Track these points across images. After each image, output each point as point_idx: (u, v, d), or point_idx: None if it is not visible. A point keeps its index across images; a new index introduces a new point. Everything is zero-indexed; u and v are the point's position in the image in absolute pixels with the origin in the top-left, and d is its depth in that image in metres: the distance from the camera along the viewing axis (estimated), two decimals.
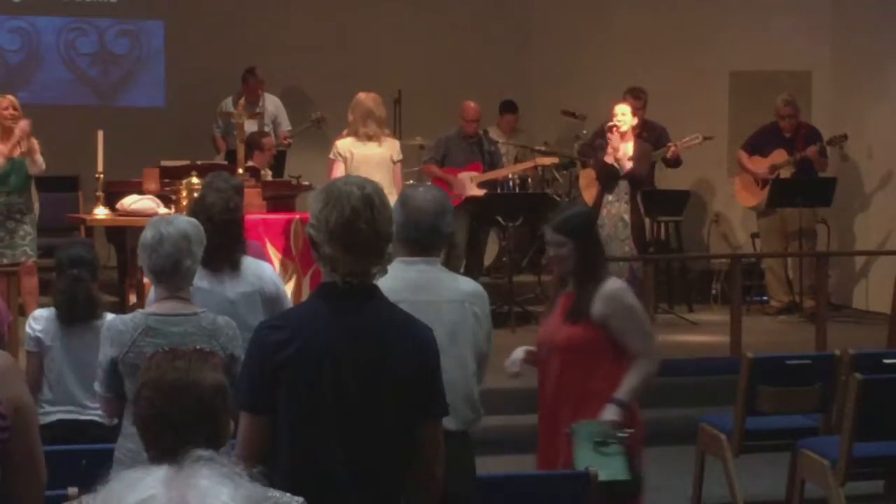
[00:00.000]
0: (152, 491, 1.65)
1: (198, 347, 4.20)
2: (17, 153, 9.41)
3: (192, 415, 2.88)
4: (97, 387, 4.68)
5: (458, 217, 10.48)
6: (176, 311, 4.59)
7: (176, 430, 2.88)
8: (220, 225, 5.47)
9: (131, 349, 4.49)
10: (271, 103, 11.52)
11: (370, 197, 3.41)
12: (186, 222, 4.69)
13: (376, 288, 3.50)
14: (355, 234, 3.38)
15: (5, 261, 9.21)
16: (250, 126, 11.19)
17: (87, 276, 5.78)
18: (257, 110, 10.78)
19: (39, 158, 9.45)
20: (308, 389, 3.40)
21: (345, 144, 9.03)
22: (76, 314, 5.75)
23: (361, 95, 9.15)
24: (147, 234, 4.59)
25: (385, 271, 3.49)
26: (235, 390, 3.63)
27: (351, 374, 3.42)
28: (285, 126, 11.56)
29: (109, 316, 5.93)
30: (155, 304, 4.66)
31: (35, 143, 9.46)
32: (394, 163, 9.15)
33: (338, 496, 3.37)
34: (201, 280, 5.11)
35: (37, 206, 9.68)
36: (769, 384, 6.63)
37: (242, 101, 10.98)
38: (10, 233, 9.38)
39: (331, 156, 9.11)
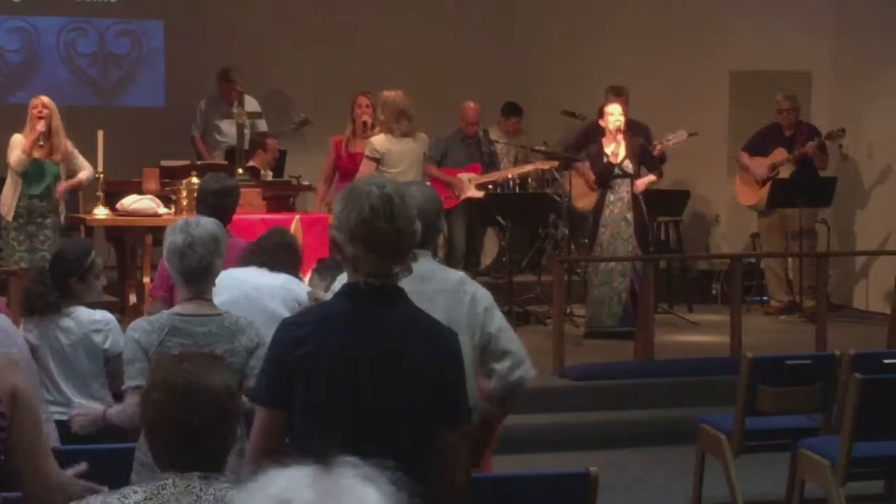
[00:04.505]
0: (302, 488, 1.67)
1: (211, 349, 4.22)
2: (37, 153, 9.44)
3: (204, 417, 2.89)
4: (128, 381, 4.68)
5: (456, 218, 10.57)
6: (200, 311, 4.64)
7: (187, 433, 2.89)
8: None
9: (158, 349, 4.51)
10: (250, 104, 11.37)
11: (389, 196, 3.40)
12: (212, 223, 4.74)
13: (400, 290, 3.49)
14: (375, 233, 3.38)
15: (23, 265, 9.15)
16: (228, 127, 11.14)
17: (43, 270, 5.86)
18: (234, 110, 10.67)
19: (84, 167, 9.54)
20: (323, 387, 3.41)
21: (381, 142, 9.03)
22: (27, 306, 5.82)
23: (389, 94, 9.13)
24: (177, 239, 4.61)
25: (410, 271, 3.48)
26: (254, 385, 3.66)
27: (367, 375, 3.41)
28: (262, 128, 11.39)
29: (99, 314, 5.95)
30: (179, 304, 4.72)
31: (70, 149, 9.54)
32: (424, 157, 9.23)
33: None
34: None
35: (63, 208, 9.70)
36: (769, 384, 6.63)
37: (238, 104, 10.91)
38: (30, 237, 9.39)
39: (366, 153, 9.10)
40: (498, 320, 4.53)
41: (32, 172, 9.47)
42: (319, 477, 1.70)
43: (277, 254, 6.11)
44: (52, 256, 6.12)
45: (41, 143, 9.45)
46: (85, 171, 9.71)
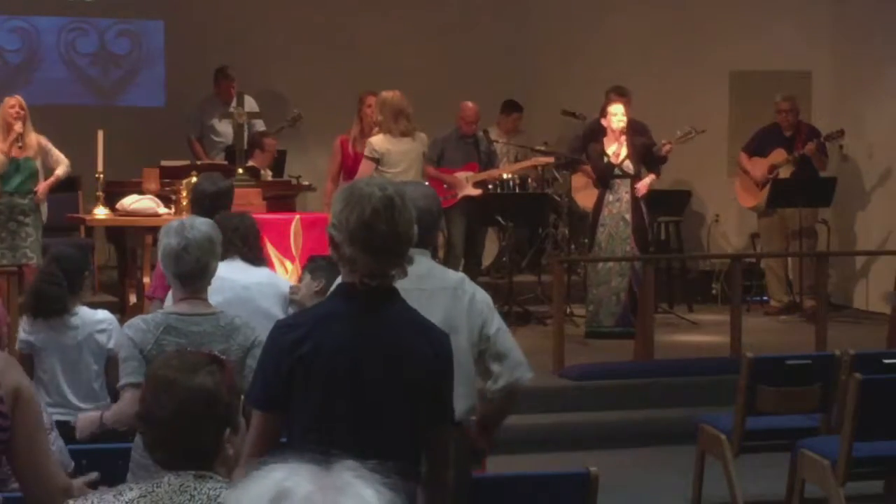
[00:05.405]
0: (300, 484, 1.69)
1: (212, 351, 4.21)
2: (15, 152, 9.42)
3: (170, 415, 2.90)
4: (123, 378, 4.67)
5: (454, 217, 10.54)
6: (196, 310, 4.62)
7: (155, 427, 2.91)
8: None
9: (154, 347, 4.51)
10: (249, 104, 11.35)
11: (391, 198, 3.41)
12: (206, 224, 4.70)
13: (395, 290, 3.50)
14: (375, 235, 3.39)
15: (5, 262, 9.20)
16: (224, 127, 11.13)
17: (55, 271, 5.85)
18: (231, 110, 10.66)
19: (61, 162, 9.49)
20: (322, 388, 3.42)
21: (380, 142, 9.03)
22: (41, 308, 5.79)
23: (387, 94, 9.14)
24: (172, 241, 4.58)
25: (405, 273, 3.49)
26: (249, 387, 3.65)
27: (365, 374, 3.43)
28: (259, 128, 11.37)
29: (101, 313, 5.95)
30: (175, 304, 4.70)
31: (43, 143, 9.50)
32: (424, 157, 9.22)
33: None
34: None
35: (45, 207, 9.69)
36: (769, 384, 6.63)
37: (235, 104, 10.88)
38: (12, 234, 9.38)
39: (366, 153, 9.11)
40: (497, 322, 4.55)
41: (9, 169, 9.44)
42: (319, 472, 1.72)
43: (256, 244, 6.08)
44: (55, 257, 6.06)
45: (20, 144, 9.43)
46: (62, 166, 9.68)
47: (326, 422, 3.41)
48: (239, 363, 4.48)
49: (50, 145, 9.66)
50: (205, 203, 6.60)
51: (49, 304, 5.82)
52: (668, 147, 10.51)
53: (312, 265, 6.01)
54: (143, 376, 4.48)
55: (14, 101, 9.53)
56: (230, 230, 5.93)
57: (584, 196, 10.93)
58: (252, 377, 3.70)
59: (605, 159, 10.15)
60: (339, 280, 3.67)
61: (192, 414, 2.91)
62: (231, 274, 5.71)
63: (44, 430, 3.61)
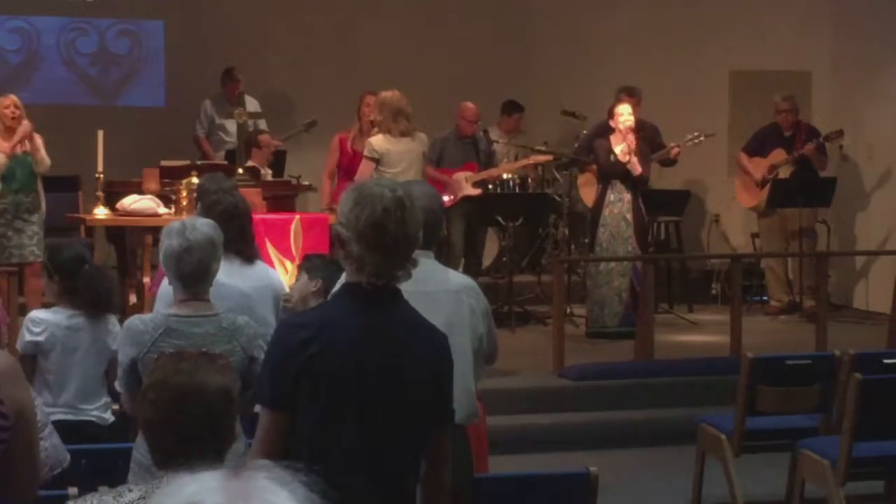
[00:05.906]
0: (212, 492, 1.67)
1: (209, 350, 4.20)
2: (19, 151, 9.41)
3: (196, 419, 2.88)
4: (118, 385, 4.68)
5: (454, 217, 10.55)
6: (197, 312, 4.57)
7: (179, 434, 2.89)
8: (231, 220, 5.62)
9: (151, 350, 4.46)
10: (251, 105, 11.36)
11: (401, 199, 3.43)
12: (209, 226, 4.65)
13: (398, 291, 3.51)
14: (384, 235, 3.40)
15: (14, 260, 9.17)
16: (233, 126, 11.14)
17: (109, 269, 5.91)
18: (237, 110, 10.64)
19: (44, 156, 9.46)
20: (330, 387, 3.43)
21: (380, 142, 9.02)
22: (102, 305, 5.79)
23: (386, 94, 9.12)
24: (173, 243, 4.54)
25: (409, 275, 3.50)
26: (256, 387, 3.65)
27: (371, 374, 3.44)
28: (262, 128, 11.35)
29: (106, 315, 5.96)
30: (175, 305, 4.64)
31: (39, 141, 9.47)
32: (423, 156, 9.23)
33: (354, 495, 3.37)
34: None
35: (43, 205, 9.67)
36: (769, 384, 6.63)
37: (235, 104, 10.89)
38: (18, 232, 9.37)
39: (366, 153, 9.10)
40: (491, 331, 4.61)
41: (11, 166, 9.43)
42: (230, 480, 1.69)
43: (251, 235, 5.98)
44: (86, 255, 6.04)
45: (27, 142, 9.41)
46: (45, 159, 9.59)
47: (331, 422, 3.42)
48: (243, 363, 4.47)
49: (40, 145, 9.55)
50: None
51: (117, 300, 5.85)
52: (676, 150, 10.53)
53: (308, 264, 5.95)
54: (129, 388, 4.51)
55: (9, 102, 9.49)
56: (225, 219, 5.81)
57: (589, 192, 10.92)
58: (258, 376, 3.70)
59: (612, 157, 10.15)
60: (342, 279, 3.66)
61: (214, 416, 2.90)
62: (231, 278, 5.60)
63: (37, 435, 3.63)
